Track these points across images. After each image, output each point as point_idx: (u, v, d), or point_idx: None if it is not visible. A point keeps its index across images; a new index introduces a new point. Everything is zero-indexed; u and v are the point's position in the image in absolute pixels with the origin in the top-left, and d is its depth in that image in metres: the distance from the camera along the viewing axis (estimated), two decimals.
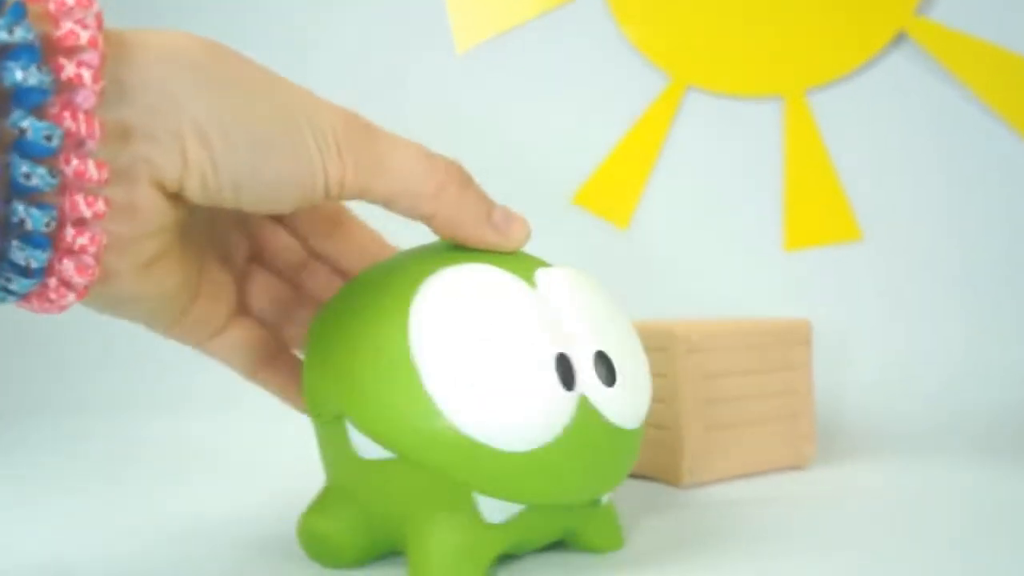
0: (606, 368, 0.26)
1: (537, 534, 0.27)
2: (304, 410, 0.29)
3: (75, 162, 0.20)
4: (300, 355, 0.30)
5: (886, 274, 0.62)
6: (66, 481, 0.44)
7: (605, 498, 0.27)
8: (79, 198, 0.20)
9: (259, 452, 0.50)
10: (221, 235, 0.28)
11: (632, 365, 0.27)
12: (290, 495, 0.29)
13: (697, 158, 0.67)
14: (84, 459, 0.49)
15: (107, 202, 0.20)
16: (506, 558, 0.28)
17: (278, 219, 0.29)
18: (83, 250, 0.20)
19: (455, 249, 0.27)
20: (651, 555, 0.29)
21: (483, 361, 0.24)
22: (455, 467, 0.24)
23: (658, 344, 0.40)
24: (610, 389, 0.26)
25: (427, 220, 0.26)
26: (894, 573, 0.27)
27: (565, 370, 0.25)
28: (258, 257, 0.30)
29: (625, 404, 0.26)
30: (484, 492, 0.24)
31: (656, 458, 0.41)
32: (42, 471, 0.47)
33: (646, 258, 0.66)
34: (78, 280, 0.21)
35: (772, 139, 0.65)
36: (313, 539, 0.28)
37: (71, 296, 0.21)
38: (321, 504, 0.28)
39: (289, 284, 0.30)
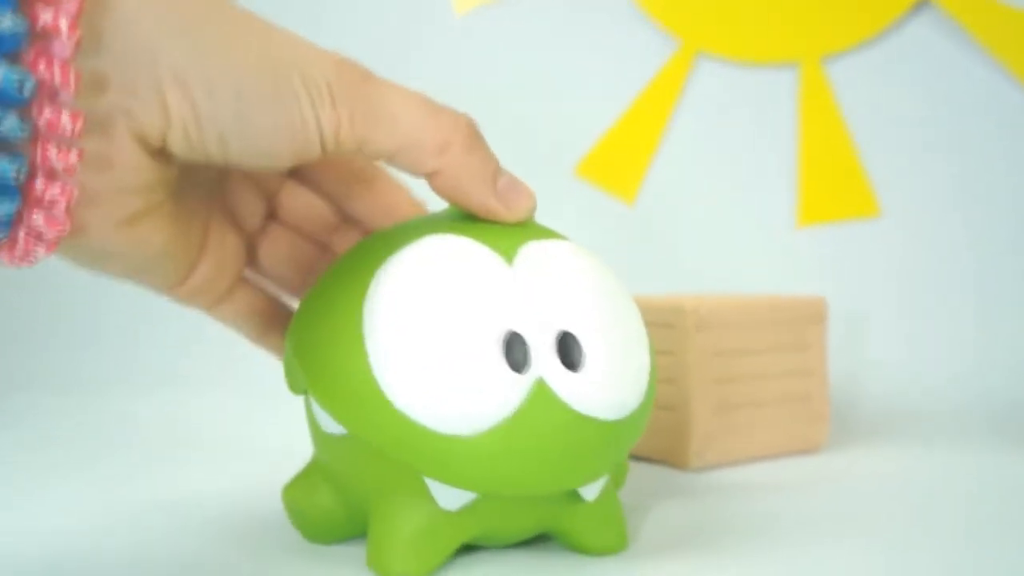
0: (570, 350, 0.24)
1: (506, 525, 0.26)
2: None
3: (48, 112, 0.20)
4: None
5: (904, 252, 0.62)
6: (53, 460, 0.44)
7: (591, 494, 0.26)
8: (51, 149, 0.20)
9: (252, 429, 0.50)
10: (231, 195, 0.28)
11: (615, 350, 0.25)
12: (284, 472, 0.29)
13: (707, 129, 0.66)
14: (72, 437, 0.50)
15: (80, 154, 0.20)
16: (493, 552, 0.27)
17: (302, 178, 0.29)
18: (53, 202, 0.20)
19: (451, 218, 0.27)
20: (653, 542, 0.28)
21: (427, 340, 0.23)
22: (399, 449, 0.23)
23: (665, 320, 0.40)
24: (574, 373, 0.24)
25: (430, 178, 0.25)
26: (908, 561, 0.26)
27: (516, 350, 0.24)
28: (277, 216, 0.29)
29: (596, 391, 0.24)
30: (430, 476, 0.24)
31: (662, 440, 0.40)
32: (28, 449, 0.47)
33: (652, 234, 0.66)
34: (48, 233, 0.21)
35: (786, 109, 0.65)
36: (294, 513, 0.28)
37: (41, 249, 0.21)
38: (301, 478, 0.28)
39: (314, 245, 0.30)
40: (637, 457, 0.41)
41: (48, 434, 0.51)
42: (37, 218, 0.20)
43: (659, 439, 0.40)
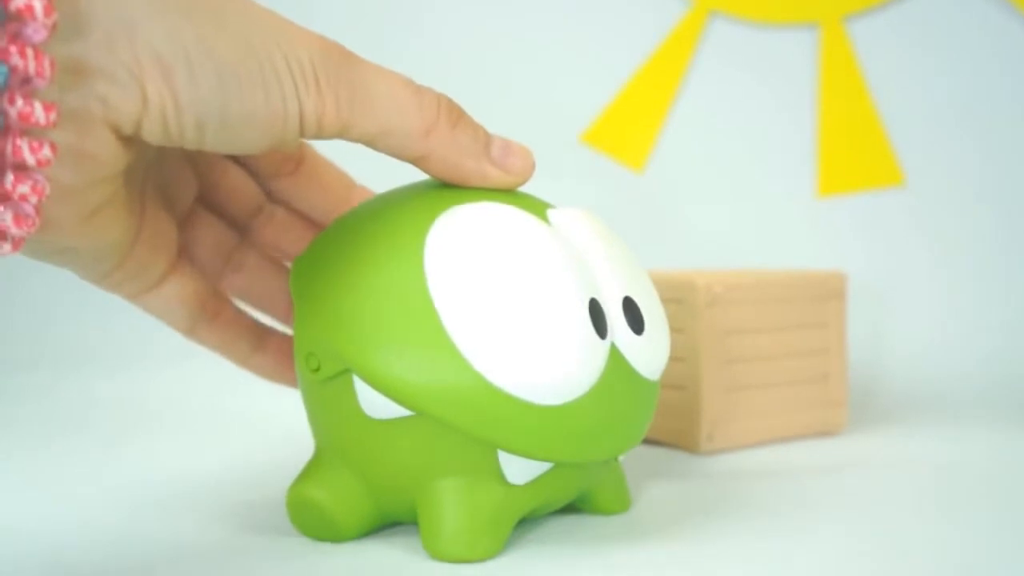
0: (633, 315, 0.26)
1: (558, 495, 0.27)
2: (252, 368, 0.30)
3: (20, 103, 0.19)
4: (239, 308, 0.30)
5: (930, 224, 0.61)
6: (17, 440, 0.44)
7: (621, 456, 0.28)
8: (22, 143, 0.19)
9: (220, 402, 0.51)
10: (168, 176, 0.27)
11: (655, 312, 0.27)
12: (255, 446, 0.29)
13: (721, 93, 0.66)
14: (37, 418, 0.50)
15: (53, 148, 0.20)
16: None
17: (234, 157, 0.29)
18: (23, 199, 0.20)
19: (453, 188, 0.26)
20: (660, 528, 0.28)
21: (511, 306, 0.23)
22: (482, 424, 0.23)
23: (676, 296, 0.39)
24: (639, 337, 0.26)
25: (419, 161, 0.25)
26: (927, 551, 0.26)
27: (597, 316, 0.25)
28: (206, 199, 0.29)
29: (652, 353, 0.26)
30: (512, 450, 0.24)
31: (672, 422, 0.40)
32: (25, 430, 0.47)
33: (662, 204, 0.65)
34: (15, 231, 0.20)
35: (805, 72, 0.65)
36: (306, 510, 0.26)
37: (6, 247, 0.20)
38: (313, 472, 0.26)
39: (234, 229, 0.30)
40: (644, 439, 0.40)
41: (12, 415, 0.51)
42: (5, 215, 0.20)
43: (668, 420, 0.40)
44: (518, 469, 0.24)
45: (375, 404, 0.24)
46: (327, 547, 0.26)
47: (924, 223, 0.61)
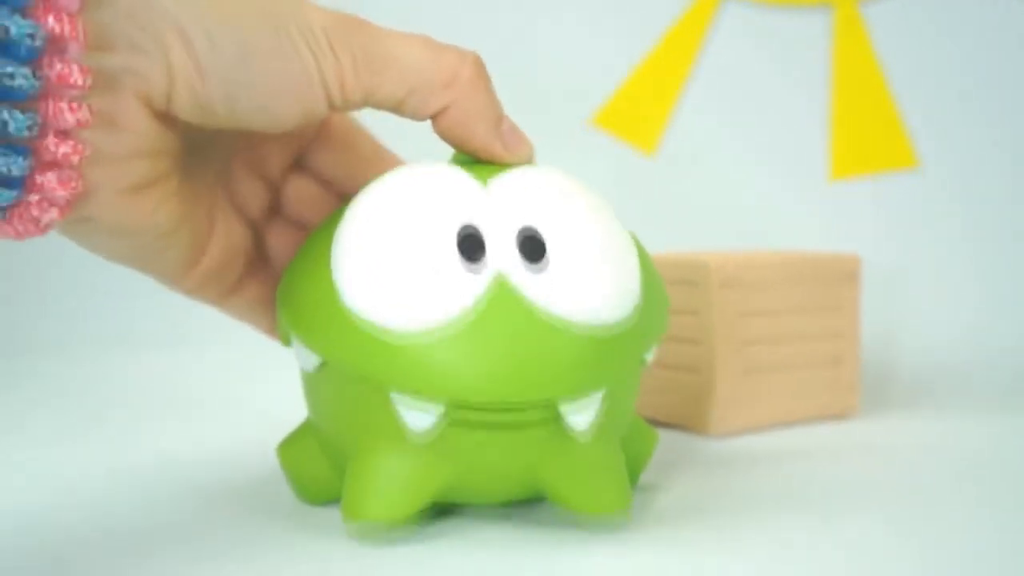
0: (533, 246, 0.24)
1: (486, 466, 0.25)
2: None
3: (58, 66, 0.20)
4: None
5: (945, 206, 0.61)
6: (53, 421, 0.44)
7: (580, 422, 0.24)
8: (62, 104, 0.21)
9: (253, 388, 0.51)
10: (235, 183, 0.28)
11: (587, 251, 0.25)
12: (284, 432, 0.30)
13: (734, 75, 0.66)
14: (71, 399, 0.50)
15: (91, 109, 0.21)
16: (478, 518, 0.27)
17: (306, 168, 0.29)
18: (65, 159, 0.21)
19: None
20: (670, 512, 0.28)
21: (381, 242, 0.24)
22: (356, 355, 0.23)
23: (688, 277, 0.39)
24: (537, 268, 0.24)
25: (437, 118, 0.26)
26: (940, 535, 0.26)
27: (470, 243, 0.24)
28: (280, 209, 0.30)
29: (565, 290, 0.24)
30: (391, 386, 0.23)
31: (683, 404, 0.40)
32: (27, 411, 0.48)
33: (674, 187, 0.65)
34: (60, 194, 0.21)
35: (819, 54, 0.64)
36: (289, 472, 0.28)
37: (53, 212, 0.21)
38: (295, 436, 0.28)
39: None
40: (656, 422, 0.41)
41: (48, 396, 0.51)
42: (49, 178, 0.21)
43: (679, 403, 0.40)
44: (414, 416, 0.23)
45: (301, 357, 0.25)
46: (286, 516, 0.27)
47: (938, 206, 0.61)
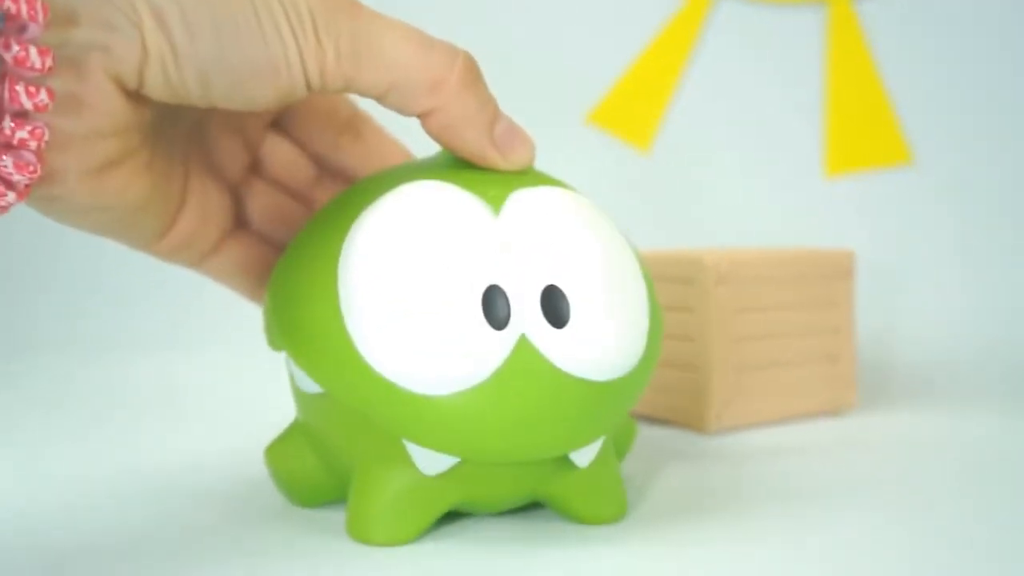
0: (556, 306, 0.24)
1: (492, 492, 0.26)
2: None
3: (15, 48, 0.19)
4: None
5: (939, 202, 0.62)
6: (51, 421, 0.44)
7: (583, 460, 0.25)
8: (19, 88, 0.20)
9: (249, 390, 0.51)
10: (212, 144, 0.28)
11: (606, 307, 0.25)
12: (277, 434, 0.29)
13: (728, 72, 0.66)
14: (70, 399, 0.50)
15: (51, 93, 0.20)
16: (479, 521, 0.27)
17: (282, 129, 0.29)
18: (23, 144, 0.20)
19: (440, 164, 0.26)
20: (665, 508, 0.28)
21: (401, 294, 0.23)
22: (374, 409, 0.23)
23: (684, 274, 0.39)
24: (559, 330, 0.24)
25: (423, 119, 0.25)
26: (937, 531, 0.26)
27: (497, 305, 0.23)
28: (259, 170, 0.29)
29: (584, 349, 0.24)
30: (408, 439, 0.24)
31: (680, 402, 0.40)
32: (26, 411, 0.47)
33: (670, 185, 0.65)
34: (18, 178, 0.20)
35: (813, 51, 0.65)
36: (276, 474, 0.28)
37: (11, 195, 0.20)
38: (283, 438, 0.28)
39: (297, 200, 0.30)
40: (651, 419, 0.41)
41: (47, 396, 0.51)
42: (6, 162, 0.20)
43: (675, 400, 0.40)
44: (426, 460, 0.24)
45: (302, 379, 0.25)
46: (279, 519, 0.27)
47: (932, 202, 0.61)
